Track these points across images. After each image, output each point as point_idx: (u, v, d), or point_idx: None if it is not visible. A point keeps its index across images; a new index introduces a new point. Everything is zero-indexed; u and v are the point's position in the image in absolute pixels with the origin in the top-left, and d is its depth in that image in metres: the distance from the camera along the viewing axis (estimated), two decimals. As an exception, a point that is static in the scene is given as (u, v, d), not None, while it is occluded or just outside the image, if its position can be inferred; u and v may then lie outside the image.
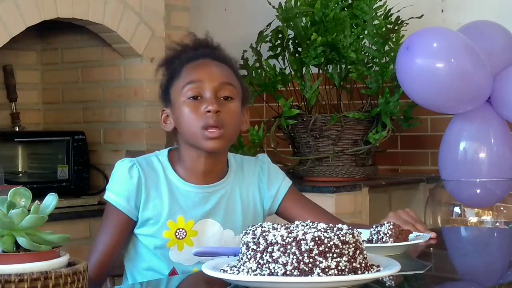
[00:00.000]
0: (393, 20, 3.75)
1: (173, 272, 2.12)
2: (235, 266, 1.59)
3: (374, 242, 2.00)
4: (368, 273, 1.55)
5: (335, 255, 1.51)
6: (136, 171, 2.11)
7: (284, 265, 1.51)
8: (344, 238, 1.53)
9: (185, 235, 2.12)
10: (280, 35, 3.87)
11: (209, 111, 2.06)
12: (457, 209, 3.61)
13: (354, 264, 1.53)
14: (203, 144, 2.08)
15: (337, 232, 1.54)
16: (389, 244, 1.98)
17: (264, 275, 1.52)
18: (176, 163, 2.16)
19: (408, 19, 3.77)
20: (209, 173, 2.15)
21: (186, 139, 2.12)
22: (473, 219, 3.59)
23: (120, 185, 2.11)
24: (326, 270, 1.50)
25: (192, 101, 2.09)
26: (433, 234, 2.19)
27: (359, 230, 1.60)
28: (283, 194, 2.25)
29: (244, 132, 2.27)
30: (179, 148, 2.17)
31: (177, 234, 2.11)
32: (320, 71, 3.86)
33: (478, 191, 3.51)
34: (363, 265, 1.55)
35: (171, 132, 2.19)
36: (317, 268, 1.50)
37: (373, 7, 3.73)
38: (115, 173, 2.14)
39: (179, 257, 2.12)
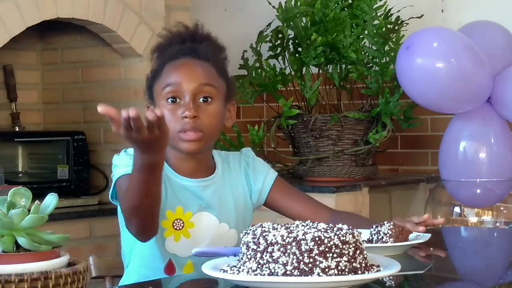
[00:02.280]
0: (393, 20, 3.76)
1: (169, 264, 2.12)
2: (235, 266, 1.59)
3: (374, 242, 2.00)
4: (368, 273, 1.55)
5: (335, 255, 1.51)
6: None
7: (284, 265, 1.51)
8: (344, 238, 1.53)
9: (183, 226, 2.12)
10: (280, 35, 3.87)
11: (186, 117, 2.06)
12: (457, 209, 3.61)
13: (354, 264, 1.53)
14: (180, 146, 2.09)
15: (337, 232, 1.54)
16: (389, 244, 1.98)
17: (264, 275, 1.52)
18: (167, 159, 2.16)
19: (408, 19, 3.77)
20: (195, 171, 2.16)
21: None
22: (473, 219, 3.59)
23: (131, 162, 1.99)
24: (326, 270, 1.50)
25: (170, 104, 2.09)
26: (441, 220, 2.20)
27: (359, 230, 1.60)
28: (269, 187, 2.25)
29: (229, 127, 2.26)
30: None
31: (174, 224, 2.12)
32: (320, 71, 3.86)
33: (478, 191, 3.51)
34: (363, 265, 1.55)
35: None
36: (317, 268, 1.50)
37: (373, 7, 3.73)
38: (123, 156, 2.07)
39: (175, 248, 2.12)
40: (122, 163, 2.07)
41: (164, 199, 2.10)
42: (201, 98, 2.09)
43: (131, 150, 2.07)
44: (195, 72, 2.11)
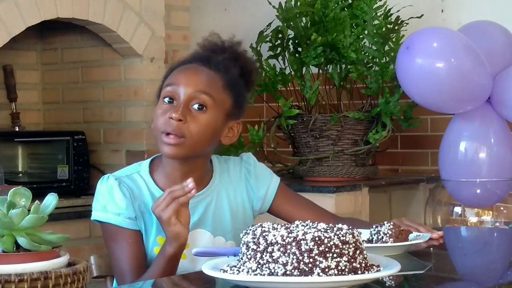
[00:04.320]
0: (393, 20, 3.76)
1: None
2: (235, 266, 1.59)
3: (374, 242, 2.00)
4: (368, 273, 1.55)
5: (335, 255, 1.51)
6: (125, 188, 2.07)
7: (284, 265, 1.51)
8: (344, 238, 1.53)
9: None
10: (280, 35, 3.87)
11: (171, 118, 2.02)
12: (457, 209, 3.61)
13: (354, 264, 1.53)
14: (161, 148, 2.05)
15: (337, 232, 1.54)
16: (389, 244, 1.98)
17: (264, 275, 1.52)
18: (158, 174, 2.12)
19: (408, 19, 3.77)
20: (187, 179, 2.08)
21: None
22: (473, 219, 3.59)
23: (117, 204, 2.05)
24: (326, 270, 1.50)
25: (166, 104, 2.06)
26: (440, 233, 2.20)
27: (359, 230, 1.60)
28: (273, 194, 2.23)
29: (226, 145, 2.18)
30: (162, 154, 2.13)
31: None
32: (320, 71, 3.86)
33: (478, 191, 3.51)
34: (363, 265, 1.55)
35: None
36: (317, 268, 1.50)
37: (373, 7, 3.73)
38: (104, 192, 2.06)
39: None
40: (114, 205, 2.06)
41: (152, 226, 2.07)
42: (196, 105, 2.04)
43: (122, 186, 2.07)
44: (196, 77, 2.07)
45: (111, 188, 2.06)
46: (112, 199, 2.06)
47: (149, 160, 2.16)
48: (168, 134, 2.02)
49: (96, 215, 2.08)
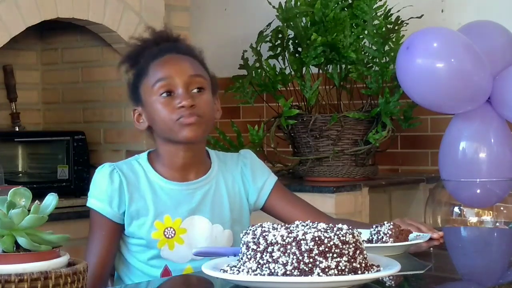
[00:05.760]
0: (393, 20, 3.76)
1: (165, 270, 2.12)
2: (235, 266, 1.59)
3: (374, 242, 2.00)
4: (368, 273, 1.55)
5: (335, 255, 1.51)
6: (117, 175, 2.12)
7: (284, 265, 1.51)
8: (344, 238, 1.53)
9: (174, 234, 2.11)
10: (280, 35, 3.87)
11: (182, 106, 2.07)
12: (457, 209, 3.61)
13: (354, 264, 1.53)
14: (180, 135, 2.08)
15: (337, 232, 1.54)
16: (389, 244, 1.98)
17: (264, 275, 1.52)
18: (156, 163, 2.16)
19: (408, 19, 3.77)
20: (189, 167, 2.15)
21: (163, 135, 2.12)
22: (473, 219, 3.59)
23: (102, 190, 2.11)
24: (326, 270, 1.50)
25: (164, 98, 2.10)
26: (440, 233, 2.20)
27: (359, 230, 1.60)
28: (269, 189, 2.25)
29: (217, 120, 2.27)
30: (156, 147, 2.18)
31: (165, 233, 2.11)
32: (320, 71, 3.86)
33: (478, 191, 3.51)
34: (363, 265, 1.55)
35: (145, 131, 2.18)
36: (317, 268, 1.50)
37: (373, 7, 3.73)
38: (95, 179, 2.14)
39: (171, 255, 2.11)
40: (99, 191, 2.13)
41: (148, 211, 2.11)
42: (195, 89, 2.11)
43: (114, 174, 2.11)
44: (183, 65, 2.14)
45: (101, 175, 2.13)
46: (99, 186, 2.13)
47: (146, 152, 2.21)
48: (184, 117, 2.07)
49: (94, 204, 2.15)
